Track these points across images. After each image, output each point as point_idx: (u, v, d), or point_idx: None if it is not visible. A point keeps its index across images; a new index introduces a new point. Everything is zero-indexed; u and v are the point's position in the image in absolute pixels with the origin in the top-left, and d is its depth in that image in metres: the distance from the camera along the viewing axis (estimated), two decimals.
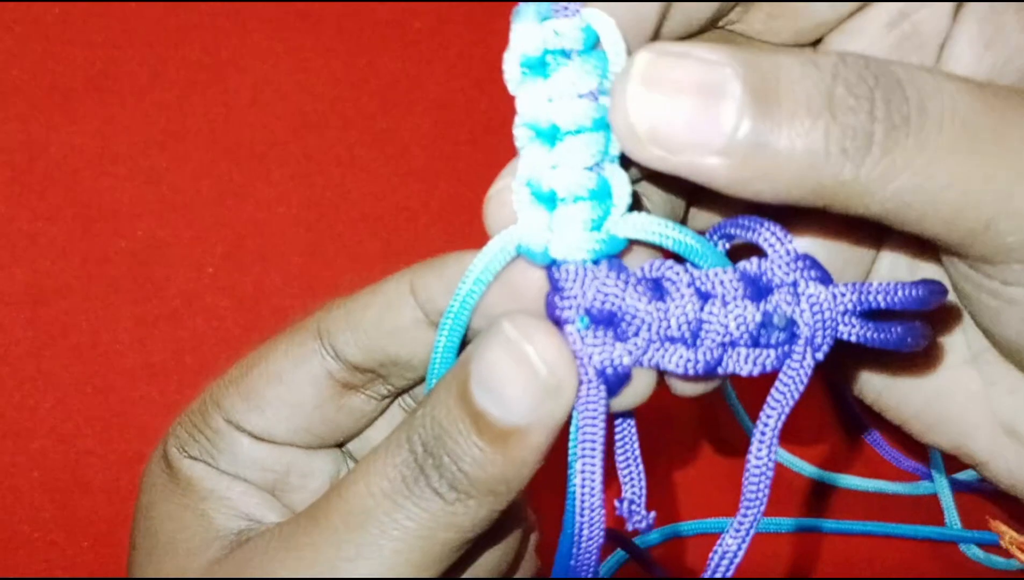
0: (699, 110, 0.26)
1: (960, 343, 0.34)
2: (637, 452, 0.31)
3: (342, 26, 0.63)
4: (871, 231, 0.34)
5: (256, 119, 0.60)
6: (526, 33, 0.28)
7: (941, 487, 0.63)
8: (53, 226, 0.56)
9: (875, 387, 0.36)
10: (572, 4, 0.27)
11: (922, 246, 0.33)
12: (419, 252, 0.60)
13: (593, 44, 0.28)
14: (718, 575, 0.28)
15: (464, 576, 0.35)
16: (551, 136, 0.28)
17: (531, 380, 0.28)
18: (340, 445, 0.38)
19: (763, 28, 0.34)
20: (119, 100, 0.59)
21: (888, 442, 0.66)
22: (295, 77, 0.62)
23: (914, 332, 0.28)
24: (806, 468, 0.64)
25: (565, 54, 0.28)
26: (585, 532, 0.29)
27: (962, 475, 0.65)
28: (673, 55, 0.26)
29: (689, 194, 0.34)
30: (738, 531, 0.28)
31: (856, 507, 0.64)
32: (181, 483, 0.35)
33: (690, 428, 0.65)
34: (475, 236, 0.68)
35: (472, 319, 0.31)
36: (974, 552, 0.62)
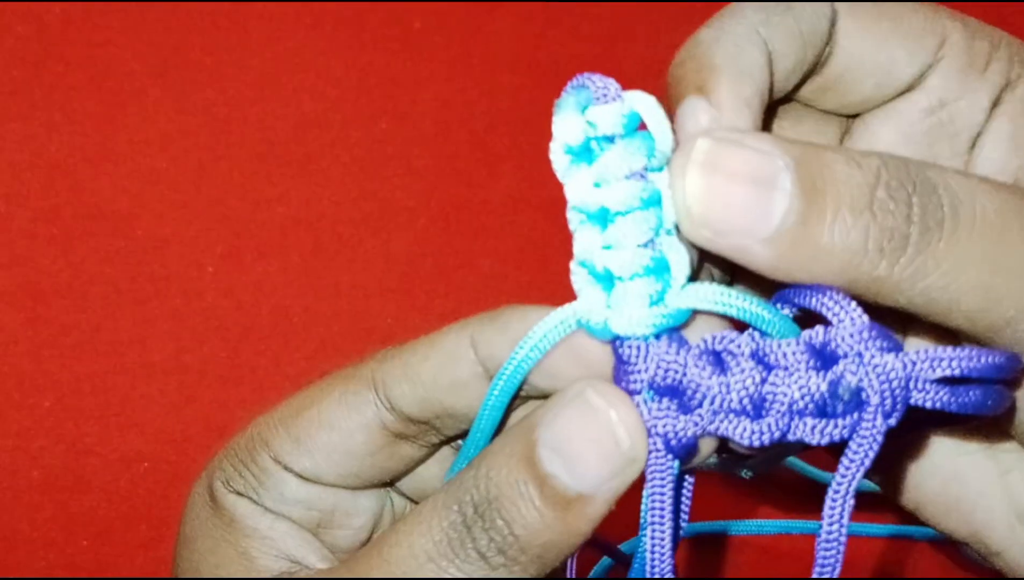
0: (752, 199, 0.27)
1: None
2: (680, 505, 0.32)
3: (342, 26, 0.63)
4: (898, 317, 0.34)
5: (256, 119, 0.60)
6: (567, 125, 0.28)
7: None
8: (53, 225, 0.56)
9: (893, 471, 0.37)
10: (613, 88, 0.28)
11: (946, 333, 0.34)
12: (419, 251, 0.61)
13: (636, 126, 0.28)
14: None
15: None
16: (602, 218, 0.29)
17: (612, 450, 0.28)
18: (386, 484, 0.39)
19: (812, 97, 0.35)
20: (119, 100, 0.59)
21: None
22: (295, 77, 0.62)
23: (994, 395, 0.28)
24: (807, 468, 0.64)
25: (608, 139, 0.28)
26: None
27: None
28: (731, 143, 0.28)
29: (732, 272, 0.35)
30: None
31: (855, 507, 0.63)
32: (224, 518, 0.36)
33: None
34: (475, 235, 0.68)
35: (533, 375, 0.31)
36: (974, 553, 0.62)
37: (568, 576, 0.32)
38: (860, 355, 0.27)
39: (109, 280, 0.56)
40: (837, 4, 0.34)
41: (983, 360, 0.27)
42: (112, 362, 0.56)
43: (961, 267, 0.28)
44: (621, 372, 0.29)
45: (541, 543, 0.29)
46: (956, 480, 0.35)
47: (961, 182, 0.29)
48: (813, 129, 0.37)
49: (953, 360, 0.27)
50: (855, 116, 0.37)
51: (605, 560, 0.58)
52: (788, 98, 0.35)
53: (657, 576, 0.29)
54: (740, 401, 0.28)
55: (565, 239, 0.30)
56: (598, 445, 0.28)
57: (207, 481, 0.37)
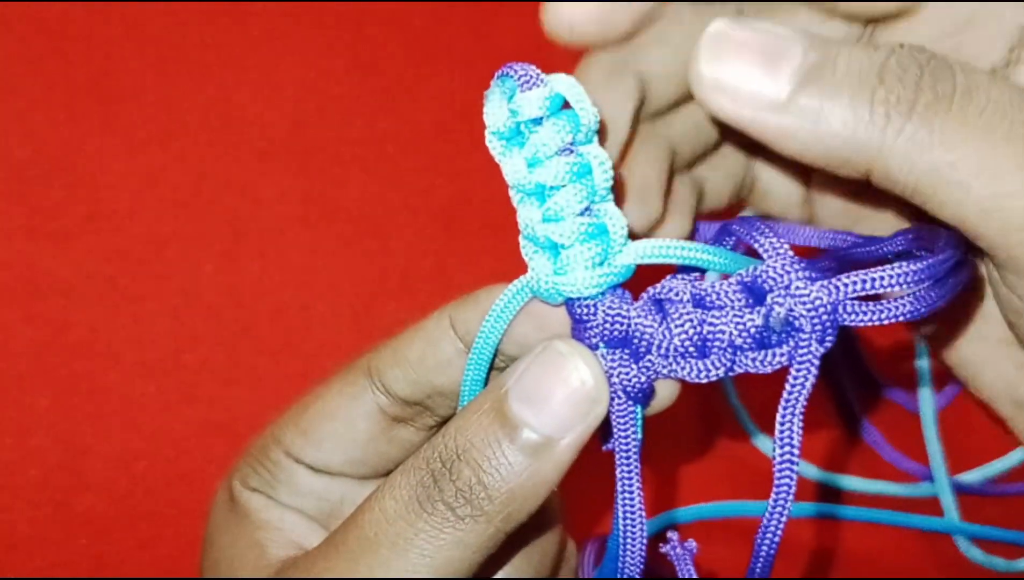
0: (760, 67, 0.28)
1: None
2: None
3: (342, 24, 0.63)
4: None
5: (256, 117, 0.60)
6: (495, 113, 0.31)
7: (942, 488, 0.63)
8: (52, 223, 0.56)
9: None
10: (535, 74, 0.30)
11: None
12: (419, 250, 0.61)
13: (560, 106, 0.30)
14: (765, 547, 0.30)
15: (498, 577, 0.37)
16: (540, 193, 0.31)
17: (578, 390, 0.30)
18: (389, 472, 0.40)
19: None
20: (118, 97, 0.58)
21: (888, 443, 0.66)
22: (295, 75, 0.61)
23: (922, 300, 0.30)
24: (806, 470, 0.64)
25: (536, 121, 0.30)
26: (628, 532, 0.32)
27: (963, 476, 0.64)
28: (743, 23, 0.29)
29: (804, 177, 0.36)
30: (773, 508, 0.30)
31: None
32: (240, 514, 0.38)
33: (686, 420, 0.65)
34: (475, 235, 0.68)
35: (504, 346, 0.34)
36: (974, 554, 0.62)
37: (577, 577, 0.33)
38: (787, 287, 0.29)
39: (108, 278, 0.56)
40: None
41: (898, 274, 0.29)
42: (111, 361, 0.55)
43: (970, 144, 0.27)
44: (577, 330, 0.31)
45: (508, 489, 0.30)
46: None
47: (983, 75, 0.28)
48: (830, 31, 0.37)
49: (874, 280, 0.29)
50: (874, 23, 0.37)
51: (606, 562, 0.58)
52: None
53: (628, 513, 0.31)
54: (683, 343, 0.30)
55: None
56: (565, 386, 0.30)
57: (227, 484, 0.39)
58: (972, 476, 0.65)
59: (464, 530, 0.30)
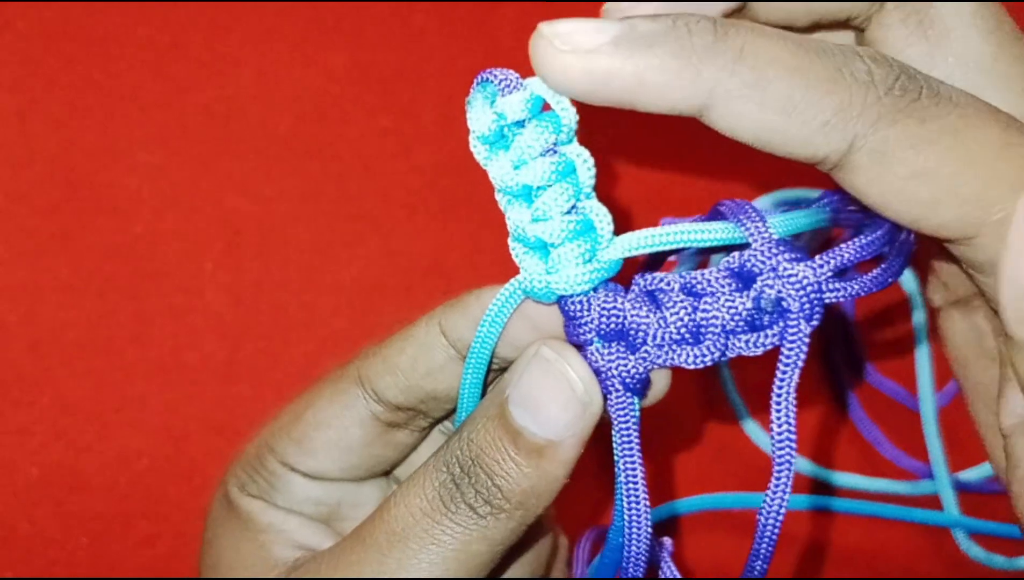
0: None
1: None
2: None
3: (342, 22, 0.63)
4: None
5: (256, 114, 0.60)
6: (478, 118, 0.32)
7: (942, 486, 0.63)
8: (51, 221, 0.56)
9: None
10: (514, 79, 0.31)
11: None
12: (419, 248, 0.60)
13: (540, 107, 0.31)
14: (770, 528, 0.31)
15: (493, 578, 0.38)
16: (527, 195, 0.32)
17: (569, 396, 0.31)
18: (387, 473, 0.42)
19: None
20: (118, 96, 0.58)
21: (888, 440, 0.66)
22: (295, 72, 0.61)
23: (889, 270, 0.32)
24: (805, 467, 0.63)
25: (519, 124, 0.31)
26: (634, 523, 0.32)
27: (964, 474, 0.64)
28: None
29: None
30: (775, 489, 0.31)
31: None
32: (241, 518, 0.38)
33: (686, 412, 0.65)
34: (475, 232, 0.68)
35: (499, 349, 0.35)
36: (975, 552, 0.62)
37: (573, 576, 0.34)
38: (774, 269, 0.30)
39: (108, 276, 0.56)
40: None
41: (871, 241, 0.31)
42: (111, 359, 0.55)
43: (931, 144, 0.28)
44: (571, 327, 0.32)
45: (521, 490, 0.32)
46: None
47: (946, 84, 0.29)
48: None
49: (848, 253, 0.31)
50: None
51: (605, 553, 0.57)
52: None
53: (633, 505, 0.32)
54: (679, 331, 0.31)
55: None
56: (556, 394, 0.32)
57: (224, 489, 0.40)
58: (973, 474, 0.65)
59: (487, 526, 0.32)
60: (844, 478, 0.64)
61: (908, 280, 0.65)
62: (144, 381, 0.56)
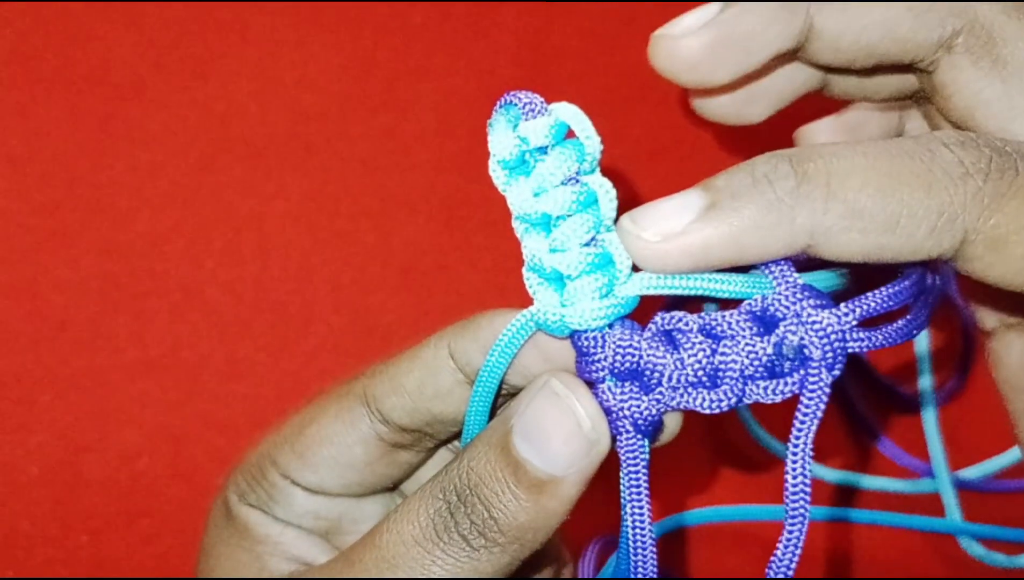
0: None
1: None
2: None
3: (342, 21, 0.62)
4: None
5: (256, 113, 0.60)
6: (501, 142, 0.31)
7: (943, 484, 0.63)
8: (51, 220, 0.56)
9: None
10: (539, 103, 0.30)
11: None
12: (420, 248, 0.60)
13: (564, 134, 0.30)
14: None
15: None
16: (545, 224, 0.31)
17: (575, 433, 0.30)
18: (391, 488, 0.41)
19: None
20: (118, 94, 0.58)
21: (889, 439, 0.66)
22: (295, 71, 0.61)
23: (915, 322, 0.31)
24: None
25: (541, 150, 0.30)
26: (639, 563, 0.32)
27: (964, 472, 0.64)
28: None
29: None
30: (787, 543, 0.30)
31: (855, 505, 0.63)
32: (239, 527, 0.38)
33: (694, 427, 0.65)
34: (476, 232, 0.68)
35: (508, 376, 0.34)
36: (975, 550, 0.62)
37: (577, 577, 0.33)
38: (798, 315, 0.29)
39: (107, 275, 0.56)
40: None
41: (899, 292, 0.30)
42: (111, 357, 0.55)
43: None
44: (583, 363, 0.31)
45: (518, 525, 0.31)
46: None
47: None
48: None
49: (875, 301, 0.30)
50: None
51: (611, 561, 0.57)
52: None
53: (639, 548, 0.31)
54: (695, 374, 0.30)
55: None
56: (563, 429, 0.30)
57: (223, 496, 0.39)
58: (973, 472, 0.65)
59: (479, 559, 0.31)
60: (844, 476, 0.64)
61: (920, 339, 0.65)
62: (144, 380, 0.56)
